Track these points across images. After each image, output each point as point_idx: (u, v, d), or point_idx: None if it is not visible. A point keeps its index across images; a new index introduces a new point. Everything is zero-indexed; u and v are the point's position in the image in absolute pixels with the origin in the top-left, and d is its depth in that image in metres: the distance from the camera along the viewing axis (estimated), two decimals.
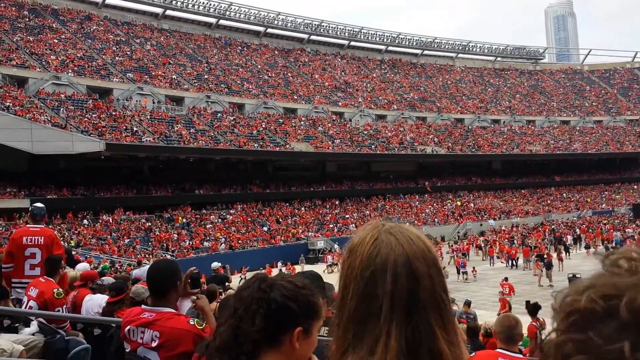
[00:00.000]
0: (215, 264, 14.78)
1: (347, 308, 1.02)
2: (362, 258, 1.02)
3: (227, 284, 12.79)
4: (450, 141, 57.71)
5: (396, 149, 52.79)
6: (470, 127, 62.75)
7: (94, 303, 5.62)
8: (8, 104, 33.34)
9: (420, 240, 1.03)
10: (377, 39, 70.94)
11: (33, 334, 4.79)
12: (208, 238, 36.52)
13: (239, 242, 36.96)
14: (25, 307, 5.25)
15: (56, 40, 44.27)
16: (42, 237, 6.23)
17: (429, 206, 50.85)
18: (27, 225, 6.67)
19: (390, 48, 72.60)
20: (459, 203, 52.48)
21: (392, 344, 0.95)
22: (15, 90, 36.14)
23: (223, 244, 36.04)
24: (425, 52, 74.99)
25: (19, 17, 44.99)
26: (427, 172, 55.95)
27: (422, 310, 0.97)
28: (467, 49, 77.10)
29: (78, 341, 4.72)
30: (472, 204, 53.22)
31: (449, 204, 51.89)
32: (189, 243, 35.17)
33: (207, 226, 38.26)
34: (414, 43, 73.22)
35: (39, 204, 6.77)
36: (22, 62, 39.17)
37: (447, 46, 75.67)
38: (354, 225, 44.57)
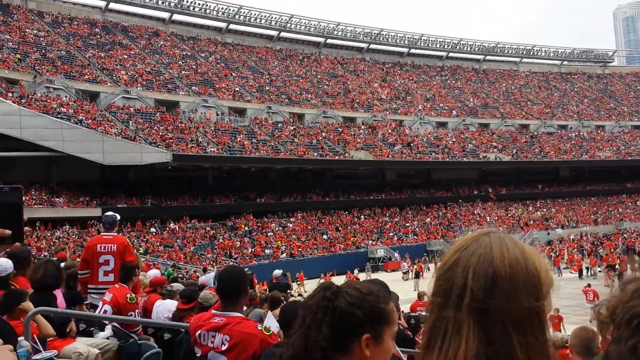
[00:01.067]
0: (277, 272, 15.02)
1: (434, 303, 1.01)
2: (453, 248, 1.03)
3: (288, 291, 12.99)
4: (514, 148, 56.15)
5: (457, 156, 51.89)
6: (535, 133, 60.83)
7: (164, 308, 5.86)
8: (81, 117, 35.10)
9: (518, 249, 0.99)
10: (438, 45, 70.06)
11: (107, 338, 4.99)
12: (269, 246, 37.07)
13: (299, 250, 37.30)
14: (100, 312, 5.49)
15: (126, 56, 46.29)
16: (115, 245, 6.45)
17: (493, 214, 49.59)
18: (101, 233, 6.96)
19: (451, 54, 71.52)
20: (521, 211, 50.94)
21: (463, 339, 0.94)
22: (88, 104, 37.99)
23: (284, 252, 36.49)
24: (488, 57, 73.37)
25: (91, 34, 47.37)
26: (491, 180, 54.62)
27: (498, 315, 0.94)
28: (531, 53, 74.89)
29: (150, 345, 4.89)
30: (538, 213, 51.50)
31: (513, 211, 50.45)
32: (251, 250, 35.83)
33: (268, 234, 38.86)
34: (476, 48, 71.82)
35: (111, 213, 7.00)
36: (94, 78, 41.19)
37: (510, 51, 73.75)
38: (413, 234, 44.06)
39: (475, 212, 49.89)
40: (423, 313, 14.72)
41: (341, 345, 1.34)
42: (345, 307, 1.36)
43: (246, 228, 38.79)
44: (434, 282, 1.03)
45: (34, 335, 4.05)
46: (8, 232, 1.57)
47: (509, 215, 50.11)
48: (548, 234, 46.48)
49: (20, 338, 3.62)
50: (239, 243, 36.46)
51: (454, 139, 55.09)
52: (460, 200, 51.33)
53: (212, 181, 42.94)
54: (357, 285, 1.46)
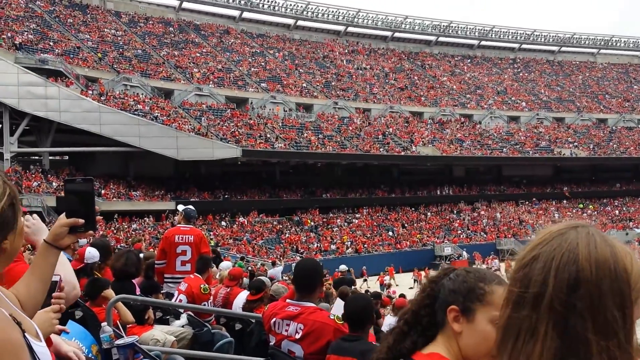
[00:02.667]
0: (343, 267, 15.13)
1: (509, 299, 0.95)
2: (534, 242, 0.96)
3: (353, 287, 13.01)
4: (591, 143, 53.60)
5: (530, 152, 50.13)
6: (614, 127, 57.76)
7: (239, 299, 6.06)
8: (156, 114, 36.51)
9: (608, 248, 0.91)
10: (510, 37, 67.76)
11: (183, 326, 5.20)
12: (334, 241, 37.27)
13: (364, 246, 37.28)
14: (176, 301, 5.71)
15: (198, 54, 47.70)
16: (192, 236, 6.68)
17: (567, 213, 47.59)
18: (179, 225, 7.28)
19: (524, 46, 69.04)
20: (591, 207, 48.60)
21: (539, 343, 0.88)
22: (163, 101, 39.47)
23: (349, 248, 36.59)
24: (563, 48, 70.30)
25: (165, 33, 49.12)
26: (565, 177, 52.44)
27: (579, 316, 0.87)
28: (610, 44, 71.05)
29: (222, 334, 5.07)
30: (617, 211, 49.01)
31: (580, 209, 48.21)
32: (317, 245, 36.14)
33: (334, 229, 39.05)
34: (550, 39, 68.96)
35: (192, 207, 7.33)
36: (168, 75, 42.71)
37: (587, 42, 70.27)
38: (483, 231, 43.02)
39: (549, 210, 48.08)
40: None
41: (439, 318, 1.38)
42: (444, 281, 1.42)
43: (312, 223, 39.15)
44: (510, 278, 0.97)
45: (116, 322, 4.29)
46: (81, 220, 1.67)
47: (585, 213, 47.92)
48: (627, 234, 44.11)
49: (103, 324, 3.83)
50: (305, 238, 36.87)
51: (526, 134, 53.25)
52: (533, 198, 49.63)
53: (280, 176, 43.62)
54: (470, 267, 1.50)
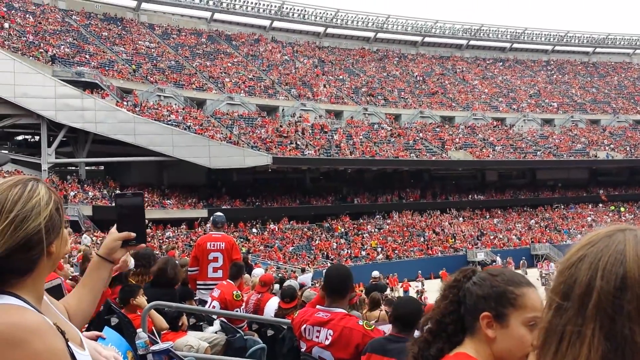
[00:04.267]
0: (376, 273, 15.06)
1: (552, 300, 0.92)
2: (580, 244, 0.93)
3: (384, 293, 12.95)
4: (627, 145, 52.21)
5: (565, 155, 49.14)
6: None
7: (271, 306, 6.12)
8: (189, 123, 37.09)
9: None
10: (543, 39, 66.64)
11: (216, 332, 5.28)
12: (365, 247, 37.14)
13: (395, 252, 37.05)
14: (209, 307, 5.79)
15: (230, 64, 48.31)
16: (224, 243, 6.80)
17: (605, 217, 46.44)
18: (210, 232, 7.38)
19: (557, 48, 67.84)
20: (622, 209, 47.25)
21: (584, 346, 0.85)
22: (195, 111, 40.08)
23: (380, 254, 36.41)
24: (597, 49, 68.81)
25: (197, 44, 49.92)
26: (601, 180, 51.20)
27: (626, 319, 0.84)
28: None
29: (255, 340, 5.12)
30: None
31: (614, 212, 46.92)
32: (348, 252, 36.07)
33: (364, 235, 38.93)
34: (584, 41, 67.57)
35: (220, 213, 7.42)
36: (200, 85, 43.37)
37: (622, 42, 68.58)
38: (516, 237, 42.31)
39: (585, 214, 46.99)
40: None
41: (468, 324, 1.38)
42: (470, 286, 1.41)
43: (342, 229, 39.12)
44: (554, 279, 0.94)
45: (151, 328, 4.38)
46: (133, 234, 1.70)
47: (623, 217, 46.66)
48: None
49: (139, 330, 3.92)
50: (335, 244, 36.86)
51: (561, 137, 52.25)
52: (568, 202, 48.59)
53: (310, 182, 43.76)
54: (493, 269, 1.47)
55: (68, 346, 1.25)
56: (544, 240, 41.31)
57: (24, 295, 1.26)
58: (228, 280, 6.08)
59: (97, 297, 1.72)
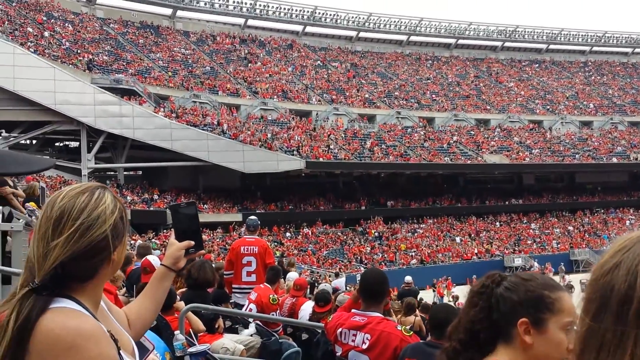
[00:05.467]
0: (408, 278, 14.90)
1: (589, 308, 0.91)
2: (613, 249, 0.91)
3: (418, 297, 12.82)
4: None
5: (604, 158, 47.89)
6: None
7: (305, 310, 6.15)
8: (224, 128, 37.56)
9: None
10: (580, 39, 65.17)
11: (251, 335, 5.34)
12: (399, 251, 36.88)
13: (430, 256, 36.68)
14: (246, 310, 5.86)
15: (263, 69, 48.76)
16: (257, 247, 6.85)
17: None
18: (244, 236, 7.46)
19: (594, 48, 66.24)
20: None
21: (626, 355, 0.82)
22: (230, 116, 40.55)
23: (414, 258, 36.11)
24: (637, 49, 66.87)
25: (231, 50, 50.56)
26: None
27: None
28: None
29: (290, 344, 5.17)
30: None
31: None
32: (381, 256, 35.87)
33: (398, 239, 38.66)
34: (623, 41, 65.78)
35: (253, 217, 7.46)
36: (235, 91, 43.87)
37: None
38: (556, 242, 41.40)
39: (625, 218, 45.66)
40: None
41: (502, 331, 1.35)
42: (502, 291, 1.37)
43: (376, 233, 38.94)
44: (588, 286, 0.92)
45: (188, 330, 4.45)
46: (192, 242, 1.76)
47: None
48: None
49: (176, 332, 3.98)
50: (369, 248, 36.71)
51: (600, 140, 50.95)
52: (608, 206, 47.31)
53: (343, 186, 43.72)
54: (523, 273, 1.44)
55: (120, 355, 1.28)
56: (584, 246, 40.32)
57: (82, 300, 1.29)
58: (265, 283, 6.14)
59: (159, 306, 1.76)
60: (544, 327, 1.33)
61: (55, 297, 1.25)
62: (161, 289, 1.75)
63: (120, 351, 1.29)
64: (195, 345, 3.76)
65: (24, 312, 1.20)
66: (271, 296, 5.77)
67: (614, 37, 65.41)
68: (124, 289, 6.41)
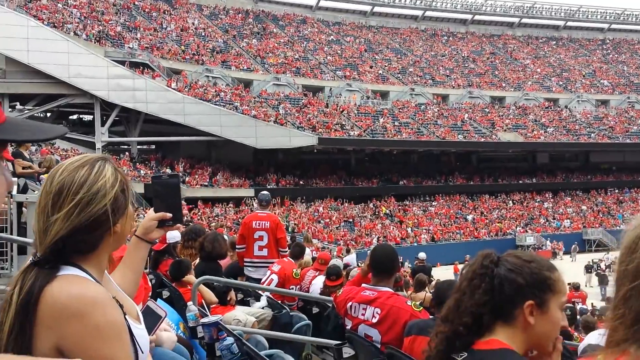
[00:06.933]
0: (422, 255, 14.94)
1: (633, 304, 0.96)
2: (637, 226, 0.97)
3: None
4: None
5: (620, 138, 47.27)
6: None
7: (316, 284, 6.21)
8: (237, 104, 37.50)
9: None
10: (599, 16, 63.76)
11: (263, 308, 5.42)
12: (410, 229, 36.92)
13: (441, 234, 36.69)
14: (267, 280, 6.04)
15: (276, 44, 48.39)
16: (269, 222, 6.91)
17: None
18: (256, 211, 7.54)
19: (613, 26, 64.84)
20: None
21: None
22: (242, 91, 40.44)
23: (425, 236, 36.15)
24: None
25: (244, 24, 50.16)
26: None
27: None
28: None
29: (300, 317, 5.23)
30: None
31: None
32: (393, 233, 35.93)
33: (410, 217, 38.66)
34: None
35: (265, 192, 7.58)
36: (248, 66, 43.66)
37: None
38: (569, 220, 41.20)
39: None
40: (581, 305, 13.79)
41: (504, 312, 1.35)
42: (506, 273, 1.36)
43: (387, 211, 38.96)
44: (618, 265, 0.98)
45: (201, 301, 4.51)
46: (169, 215, 1.72)
47: None
48: None
49: (189, 303, 4.04)
50: (380, 225, 36.77)
51: (616, 119, 50.24)
52: (623, 186, 46.86)
53: (355, 163, 43.65)
54: (519, 253, 1.44)
55: (126, 319, 1.29)
56: (597, 225, 40.10)
57: (87, 268, 1.30)
58: (289, 258, 6.41)
59: (139, 276, 1.76)
60: (546, 308, 1.35)
61: (61, 266, 1.26)
62: (136, 259, 1.75)
63: (126, 316, 1.31)
64: (208, 316, 3.81)
65: (27, 285, 1.21)
66: (294, 270, 5.95)
67: (633, 14, 63.95)
68: None
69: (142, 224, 1.75)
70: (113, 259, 1.97)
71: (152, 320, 1.96)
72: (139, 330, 1.39)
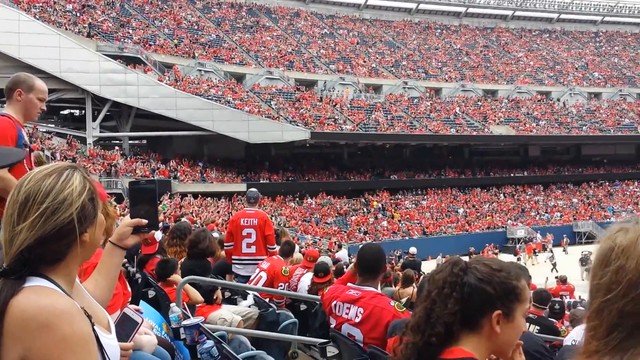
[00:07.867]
0: (413, 249, 14.96)
1: (612, 312, 0.98)
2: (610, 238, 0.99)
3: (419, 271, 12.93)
4: None
5: (611, 130, 47.48)
6: None
7: (304, 281, 6.25)
8: (229, 98, 37.37)
9: None
10: (592, 9, 63.85)
11: (249, 306, 5.43)
12: (402, 223, 37.02)
13: (433, 227, 36.82)
14: (256, 277, 6.02)
15: (269, 38, 48.17)
16: (257, 219, 6.87)
17: None
18: (244, 209, 7.51)
19: (606, 19, 64.97)
20: None
21: None
22: (235, 85, 40.28)
23: (417, 230, 36.26)
24: None
25: (237, 17, 49.90)
26: None
27: None
28: None
29: (287, 315, 5.25)
30: None
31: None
32: (384, 227, 36.02)
33: (402, 211, 38.75)
34: (636, 11, 64.36)
35: (254, 189, 7.53)
36: (240, 60, 43.47)
37: None
38: (559, 213, 41.41)
39: (632, 192, 45.50)
40: (568, 299, 13.89)
41: (470, 321, 1.35)
42: (475, 282, 1.36)
43: (379, 205, 39.03)
44: (591, 279, 1.01)
45: (184, 302, 4.51)
46: (144, 221, 1.73)
47: None
48: None
49: (172, 304, 4.04)
50: (372, 219, 36.85)
51: (608, 111, 50.44)
52: (615, 180, 47.12)
53: (348, 158, 43.66)
54: (487, 261, 1.43)
55: (94, 330, 1.29)
56: (587, 218, 40.34)
57: (55, 278, 1.30)
58: (279, 255, 6.40)
59: (113, 283, 1.75)
60: (512, 317, 1.37)
61: (28, 277, 1.26)
62: (111, 265, 1.74)
63: (95, 327, 1.30)
64: (190, 317, 3.81)
65: None
66: (284, 268, 5.93)
67: (626, 7, 64.06)
68: (124, 260, 6.48)
69: (117, 230, 1.74)
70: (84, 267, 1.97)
71: (129, 327, 1.97)
72: (108, 340, 1.39)
